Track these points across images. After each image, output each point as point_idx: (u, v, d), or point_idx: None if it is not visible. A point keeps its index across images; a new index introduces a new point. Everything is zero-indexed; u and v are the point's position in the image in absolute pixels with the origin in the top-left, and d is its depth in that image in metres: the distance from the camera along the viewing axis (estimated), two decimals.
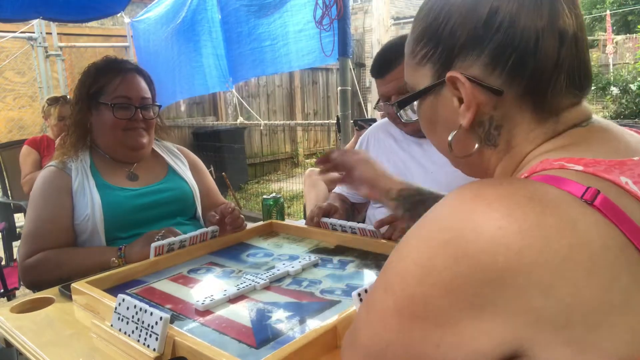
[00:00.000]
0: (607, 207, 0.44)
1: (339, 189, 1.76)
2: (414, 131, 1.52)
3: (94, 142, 1.52)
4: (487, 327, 0.43)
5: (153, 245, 1.21)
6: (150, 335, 0.79)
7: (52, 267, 1.30)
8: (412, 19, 0.65)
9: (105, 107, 1.44)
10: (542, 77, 0.54)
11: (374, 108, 1.61)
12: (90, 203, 1.38)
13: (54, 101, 3.13)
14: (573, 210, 0.44)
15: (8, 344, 0.94)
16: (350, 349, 0.56)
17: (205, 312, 0.94)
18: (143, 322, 0.81)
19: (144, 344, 0.79)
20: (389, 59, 1.45)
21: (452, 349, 0.45)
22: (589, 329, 0.41)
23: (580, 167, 0.49)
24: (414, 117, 0.68)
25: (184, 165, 1.64)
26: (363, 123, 2.80)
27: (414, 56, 0.62)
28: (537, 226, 0.42)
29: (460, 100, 0.57)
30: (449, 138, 0.60)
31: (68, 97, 3.31)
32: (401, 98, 0.66)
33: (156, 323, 0.79)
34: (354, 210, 1.74)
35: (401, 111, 0.68)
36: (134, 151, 1.50)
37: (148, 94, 1.51)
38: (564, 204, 0.44)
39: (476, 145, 0.59)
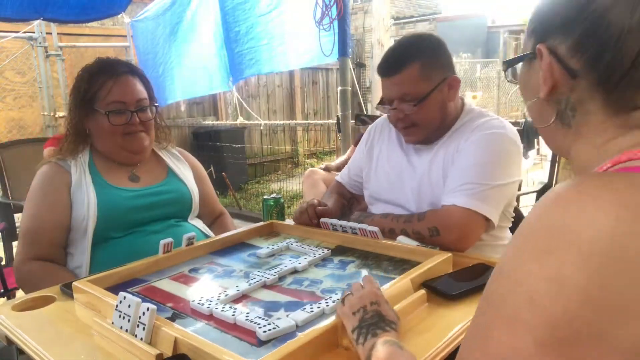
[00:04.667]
0: None
1: (339, 177, 1.72)
2: (413, 141, 1.44)
3: (93, 146, 1.51)
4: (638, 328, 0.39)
5: (162, 242, 1.22)
6: (138, 325, 0.83)
7: (39, 282, 1.26)
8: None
9: (100, 114, 1.42)
10: (615, 72, 0.55)
11: (376, 107, 1.56)
12: (86, 200, 1.37)
13: None
14: None
15: (9, 342, 0.95)
16: None
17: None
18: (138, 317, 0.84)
19: (134, 335, 0.83)
20: (398, 60, 1.31)
21: None
22: None
23: None
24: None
25: (185, 168, 1.64)
26: (366, 118, 2.78)
27: (528, 28, 0.67)
28: None
29: None
30: (526, 106, 0.67)
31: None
32: (509, 58, 0.73)
33: (143, 314, 0.83)
34: (353, 202, 1.70)
35: (507, 72, 0.74)
36: (136, 154, 1.50)
37: (144, 95, 1.48)
38: None
39: (552, 118, 0.63)
